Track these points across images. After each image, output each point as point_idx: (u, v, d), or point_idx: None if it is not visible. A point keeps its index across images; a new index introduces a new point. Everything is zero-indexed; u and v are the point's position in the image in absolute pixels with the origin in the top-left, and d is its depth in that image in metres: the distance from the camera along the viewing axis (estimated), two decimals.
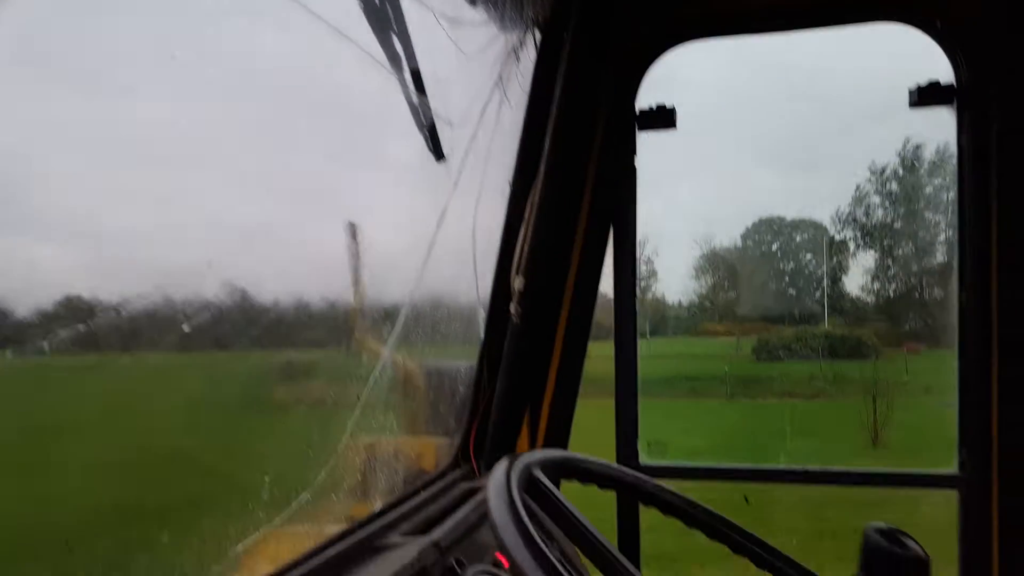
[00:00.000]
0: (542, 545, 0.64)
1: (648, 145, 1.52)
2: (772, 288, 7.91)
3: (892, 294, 7.61)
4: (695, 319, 8.18)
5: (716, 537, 0.92)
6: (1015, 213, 1.38)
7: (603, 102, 1.45)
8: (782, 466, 1.52)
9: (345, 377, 1.37)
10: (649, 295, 7.38)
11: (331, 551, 0.99)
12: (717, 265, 7.92)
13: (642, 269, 7.39)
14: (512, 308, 1.49)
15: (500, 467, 0.75)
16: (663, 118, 1.50)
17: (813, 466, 1.50)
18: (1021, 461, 1.35)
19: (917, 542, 0.83)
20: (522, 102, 1.43)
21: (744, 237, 7.95)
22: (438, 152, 1.17)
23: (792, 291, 7.97)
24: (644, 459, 1.59)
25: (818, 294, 7.69)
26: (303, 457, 1.20)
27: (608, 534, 0.88)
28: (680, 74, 1.62)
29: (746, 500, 1.50)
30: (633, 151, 1.52)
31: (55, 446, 0.95)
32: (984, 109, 1.39)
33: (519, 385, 1.54)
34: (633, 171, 1.53)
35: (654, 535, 1.52)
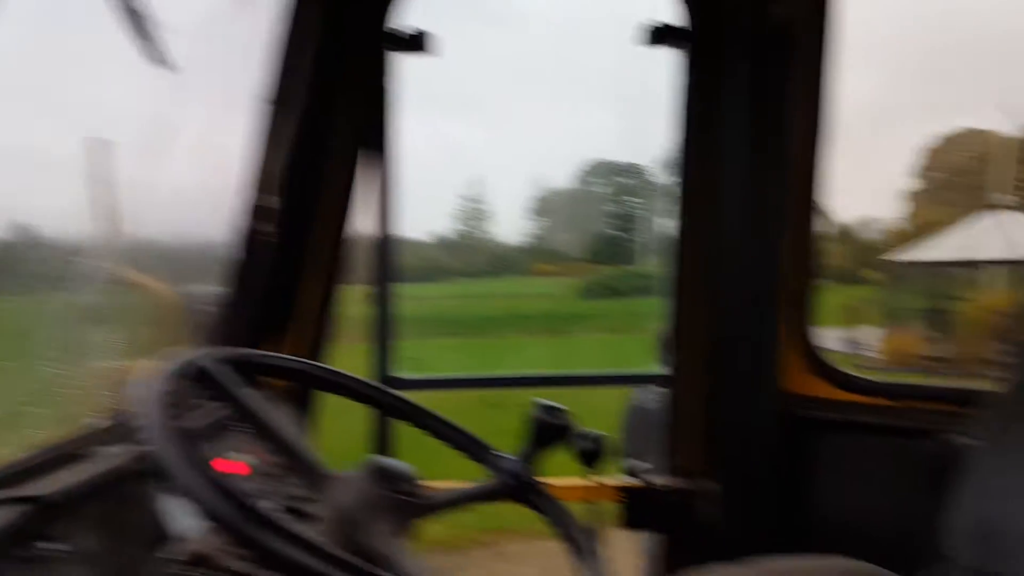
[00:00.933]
0: (172, 423, 0.64)
1: (473, 77, 1.58)
2: (602, 230, 8.46)
3: None
4: (528, 259, 8.61)
5: (420, 426, 1.01)
6: (734, 148, 1.62)
7: (351, 21, 1.51)
8: (518, 373, 1.75)
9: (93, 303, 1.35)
10: (481, 235, 7.65)
11: (40, 457, 0.97)
12: (550, 206, 8.33)
13: (472, 208, 7.63)
14: (262, 228, 1.52)
15: (147, 368, 0.74)
16: (415, 43, 1.60)
17: (547, 371, 1.76)
18: (719, 360, 1.67)
19: (568, 413, 1.00)
20: (269, 14, 1.43)
21: (577, 179, 8.42)
22: (159, 58, 1.19)
23: (621, 232, 8.56)
24: (397, 373, 1.73)
25: (641, 235, 8.34)
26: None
27: None
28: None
29: (491, 406, 1.72)
30: (383, 73, 1.61)
31: None
32: (711, 50, 1.60)
33: (269, 306, 1.59)
34: (383, 94, 1.62)
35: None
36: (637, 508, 1.65)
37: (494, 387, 1.74)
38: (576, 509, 1.12)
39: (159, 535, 0.87)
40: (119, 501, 0.95)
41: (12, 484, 0.86)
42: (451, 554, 4.81)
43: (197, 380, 0.77)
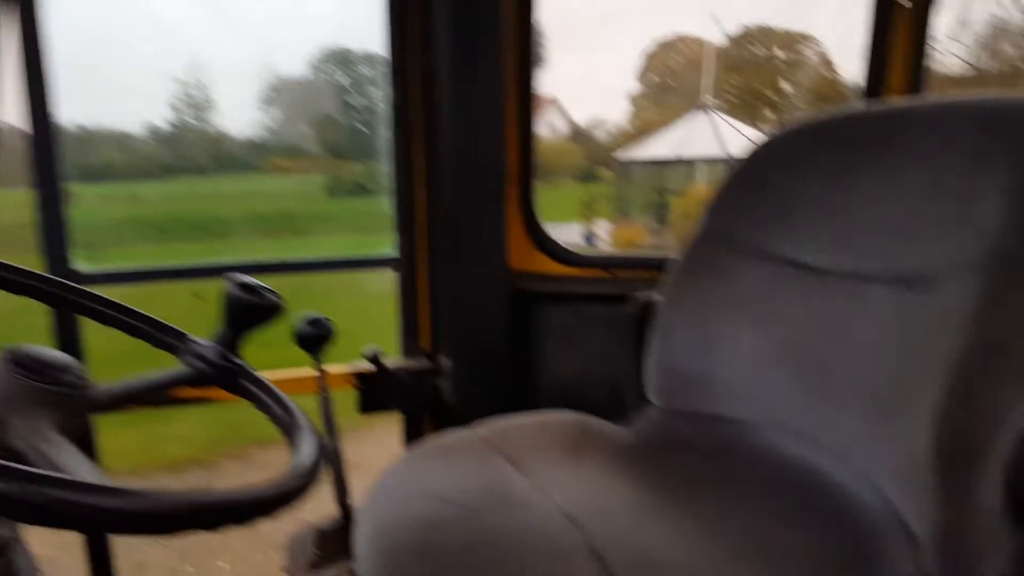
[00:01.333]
0: None
1: None
2: (344, 123, 8.09)
3: None
4: (263, 154, 7.98)
5: (82, 311, 0.90)
6: (449, 41, 1.59)
7: None
8: (228, 260, 1.61)
9: None
10: (205, 127, 6.87)
11: None
12: (284, 97, 7.71)
13: (192, 96, 6.79)
14: None
15: None
16: None
17: (264, 258, 1.65)
18: (437, 236, 1.70)
19: (274, 292, 0.96)
20: None
21: (312, 68, 7.85)
22: None
23: (364, 128, 8.27)
24: (82, 267, 1.52)
25: (386, 129, 8.13)
26: None
27: None
28: None
29: (198, 295, 1.57)
30: None
31: None
32: None
33: None
34: None
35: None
36: (374, 391, 1.67)
37: (199, 277, 1.57)
38: (309, 400, 1.08)
39: None
40: None
41: None
42: (200, 469, 4.61)
43: None
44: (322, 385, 1.36)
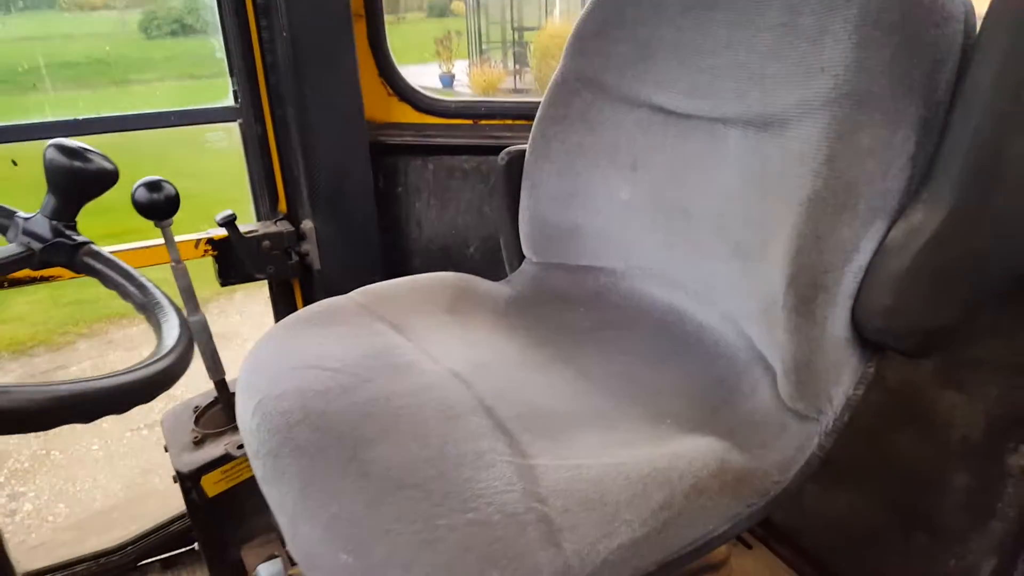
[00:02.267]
0: None
1: None
2: None
3: None
4: None
5: None
6: None
7: None
8: (37, 120, 1.40)
9: None
10: None
11: None
12: None
13: None
14: None
15: None
16: None
17: (92, 114, 1.44)
18: (279, 79, 1.54)
19: (104, 156, 0.85)
20: None
21: None
22: None
23: None
24: None
25: None
26: None
27: None
28: None
29: (14, 163, 1.37)
30: None
31: None
32: None
33: None
34: None
35: None
36: (232, 260, 1.57)
37: (13, 139, 1.37)
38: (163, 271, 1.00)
39: None
40: None
41: None
42: (54, 352, 4.34)
43: None
44: (174, 255, 1.26)
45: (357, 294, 1.22)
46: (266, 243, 1.60)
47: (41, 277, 1.33)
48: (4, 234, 0.84)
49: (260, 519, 1.43)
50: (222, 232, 1.51)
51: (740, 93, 0.94)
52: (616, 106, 1.14)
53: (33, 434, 3.25)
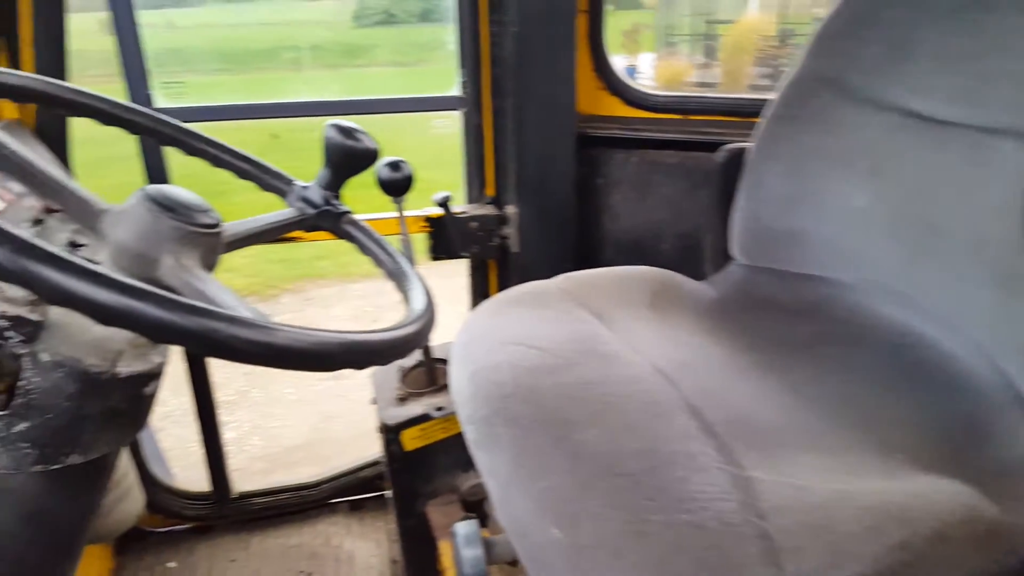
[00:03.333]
0: None
1: None
2: None
3: None
4: None
5: (194, 152, 0.93)
6: None
7: None
8: (303, 99, 1.59)
9: None
10: None
11: None
12: None
13: None
14: None
15: None
16: None
17: (335, 97, 1.61)
18: (503, 72, 1.63)
19: (369, 136, 0.95)
20: None
21: None
22: None
23: None
24: (161, 103, 1.52)
25: None
26: None
27: None
28: None
29: (274, 136, 1.56)
30: None
31: None
32: None
33: None
34: None
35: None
36: (444, 237, 1.69)
37: (278, 115, 1.57)
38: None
39: None
40: None
41: None
42: (262, 302, 4.88)
43: None
44: (403, 229, 1.38)
45: (561, 280, 1.26)
46: (473, 224, 1.70)
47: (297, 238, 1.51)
48: (284, 198, 0.97)
49: (445, 479, 1.54)
50: (438, 211, 1.62)
51: (1018, 102, 0.86)
52: (860, 109, 1.08)
53: (239, 372, 3.65)
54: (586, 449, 0.77)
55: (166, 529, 1.91)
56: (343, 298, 4.92)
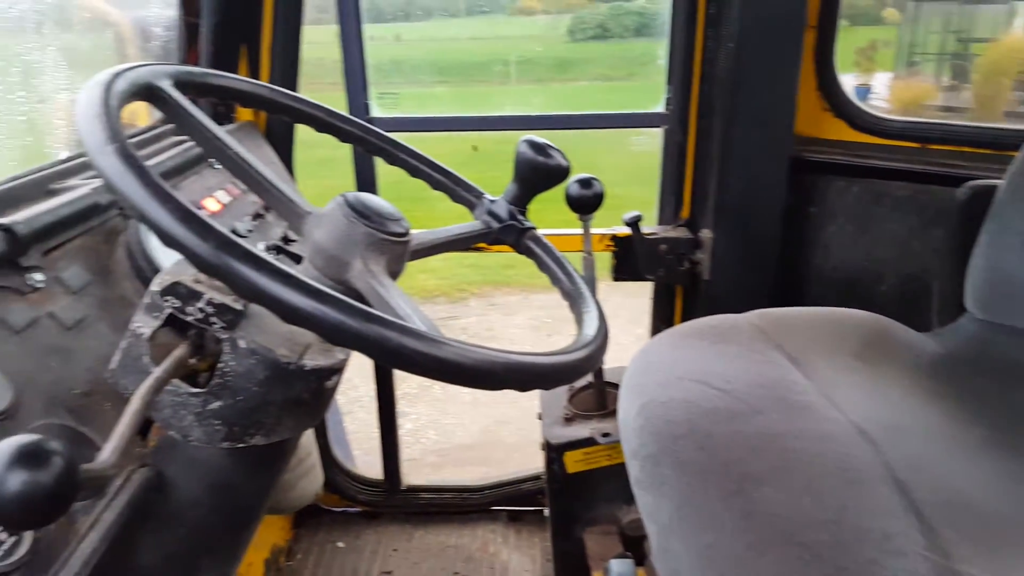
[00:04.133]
0: (127, 145, 0.59)
1: None
2: None
3: None
4: None
5: (394, 161, 0.98)
6: None
7: None
8: (505, 113, 1.63)
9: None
10: None
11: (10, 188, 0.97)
12: None
13: None
14: None
15: (98, 77, 0.67)
16: None
17: (535, 112, 1.64)
18: (712, 90, 1.55)
19: (561, 153, 0.95)
20: None
21: None
22: None
23: None
24: (376, 113, 1.64)
25: None
26: None
27: None
28: None
29: (474, 148, 1.62)
30: None
31: None
32: None
33: (229, 23, 1.46)
34: None
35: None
36: (629, 258, 1.65)
37: (480, 128, 1.63)
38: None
39: (144, 267, 0.93)
40: (94, 233, 0.94)
41: None
42: (451, 304, 5.17)
43: (147, 98, 0.71)
44: (588, 247, 1.36)
45: (755, 316, 1.17)
46: (663, 246, 1.64)
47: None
48: (472, 210, 0.99)
49: (606, 508, 1.49)
50: (625, 230, 1.59)
51: None
52: None
53: None
54: (761, 508, 0.71)
55: (339, 509, 2.06)
56: (526, 307, 5.03)
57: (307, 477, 1.66)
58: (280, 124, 1.57)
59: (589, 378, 1.54)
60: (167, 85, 0.73)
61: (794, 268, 1.63)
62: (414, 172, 0.98)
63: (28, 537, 0.65)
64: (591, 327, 0.77)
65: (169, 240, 0.55)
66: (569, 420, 1.47)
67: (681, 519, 0.76)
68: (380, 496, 2.04)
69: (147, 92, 0.71)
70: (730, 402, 0.91)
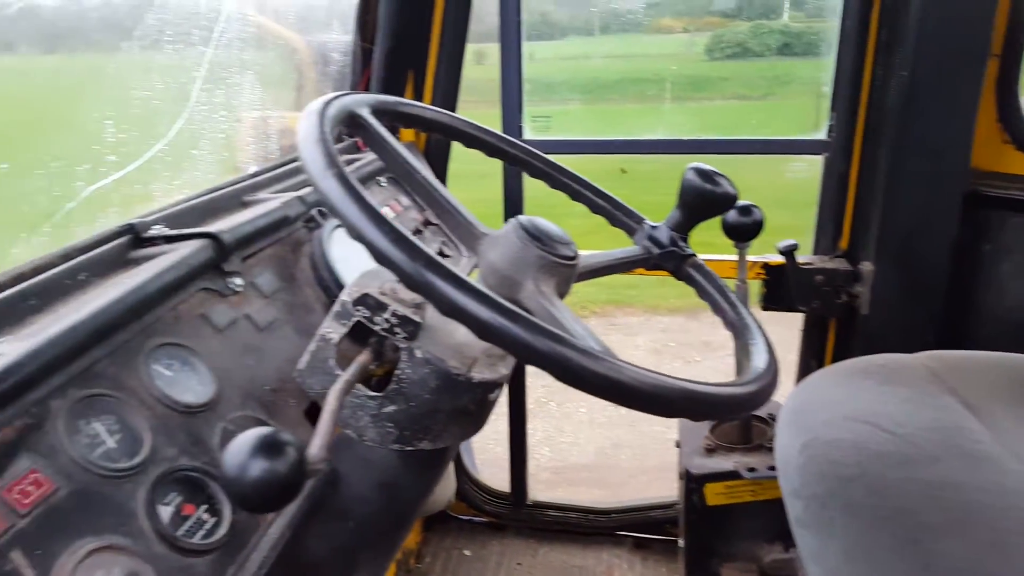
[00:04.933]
0: (344, 170, 0.64)
1: None
2: None
3: None
4: (648, 14, 7.83)
5: (556, 185, 1.02)
6: None
7: None
8: (656, 136, 1.64)
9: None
10: None
11: (197, 202, 1.09)
12: None
13: None
14: None
15: (313, 105, 0.75)
16: None
17: (686, 136, 1.63)
18: (881, 118, 1.49)
19: (729, 181, 0.95)
20: None
21: None
22: None
23: None
24: (528, 135, 1.69)
25: None
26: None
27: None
28: None
29: (623, 171, 1.64)
30: None
31: None
32: None
33: (399, 49, 1.56)
34: None
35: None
36: (781, 288, 1.61)
37: (632, 151, 1.65)
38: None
39: (325, 276, 1.03)
40: (284, 243, 1.04)
41: (189, 223, 0.98)
42: None
43: (348, 125, 0.77)
44: (742, 276, 1.35)
45: (927, 357, 1.11)
46: (819, 277, 1.59)
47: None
48: (631, 235, 1.00)
49: (746, 545, 1.45)
50: (778, 259, 1.55)
51: None
52: None
53: (540, 383, 3.90)
54: (941, 562, 0.69)
55: (467, 518, 2.12)
56: (647, 329, 4.96)
57: (442, 484, 1.73)
58: (438, 143, 1.66)
59: None
60: (366, 113, 0.79)
61: (961, 307, 1.53)
62: (575, 196, 1.01)
63: (227, 520, 0.73)
64: (760, 359, 0.76)
65: (380, 257, 0.60)
66: (711, 451, 1.45)
67: (850, 564, 0.74)
68: (506, 509, 2.08)
69: (350, 119, 0.78)
70: (902, 446, 0.87)
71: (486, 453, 2.12)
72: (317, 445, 0.59)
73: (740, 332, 0.85)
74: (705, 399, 0.63)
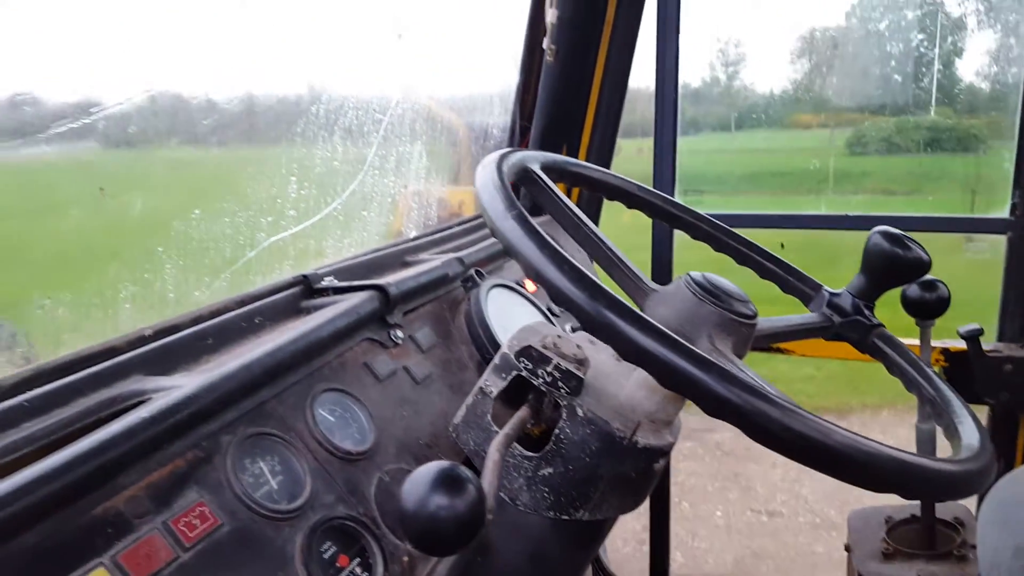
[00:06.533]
0: (525, 213, 0.65)
1: None
2: (875, 73, 7.31)
3: (1012, 79, 6.83)
4: (785, 109, 7.75)
5: (721, 248, 0.98)
6: None
7: None
8: (820, 212, 1.59)
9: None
10: (736, 83, 6.99)
11: (364, 259, 1.15)
12: (815, 47, 7.31)
13: (727, 51, 6.96)
14: (545, 44, 1.52)
15: (491, 156, 0.77)
16: None
17: (853, 212, 1.56)
18: None
19: (921, 247, 0.88)
20: None
21: (848, 15, 7.22)
22: None
23: (897, 76, 7.31)
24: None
25: (926, 80, 7.04)
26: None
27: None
28: None
29: (782, 246, 1.58)
30: None
31: None
32: None
33: (555, 126, 1.62)
34: None
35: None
36: (962, 376, 1.46)
37: (796, 226, 1.60)
38: None
39: (480, 335, 1.04)
40: (442, 301, 1.07)
41: (356, 278, 1.03)
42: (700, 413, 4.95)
43: (520, 177, 0.79)
44: (926, 357, 1.23)
45: None
46: (1007, 367, 1.43)
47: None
48: (807, 303, 0.94)
49: None
50: (960, 345, 1.41)
51: None
52: None
53: (672, 481, 3.71)
54: None
55: None
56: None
57: None
58: (589, 203, 1.68)
59: (912, 510, 1.35)
60: (537, 168, 0.81)
61: None
62: (742, 259, 0.97)
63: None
64: (972, 435, 0.68)
65: (560, 296, 0.59)
66: (888, 556, 1.30)
67: None
68: None
69: (523, 173, 0.79)
70: None
71: (613, 553, 2.00)
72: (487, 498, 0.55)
73: (942, 410, 0.77)
74: (922, 474, 0.56)
